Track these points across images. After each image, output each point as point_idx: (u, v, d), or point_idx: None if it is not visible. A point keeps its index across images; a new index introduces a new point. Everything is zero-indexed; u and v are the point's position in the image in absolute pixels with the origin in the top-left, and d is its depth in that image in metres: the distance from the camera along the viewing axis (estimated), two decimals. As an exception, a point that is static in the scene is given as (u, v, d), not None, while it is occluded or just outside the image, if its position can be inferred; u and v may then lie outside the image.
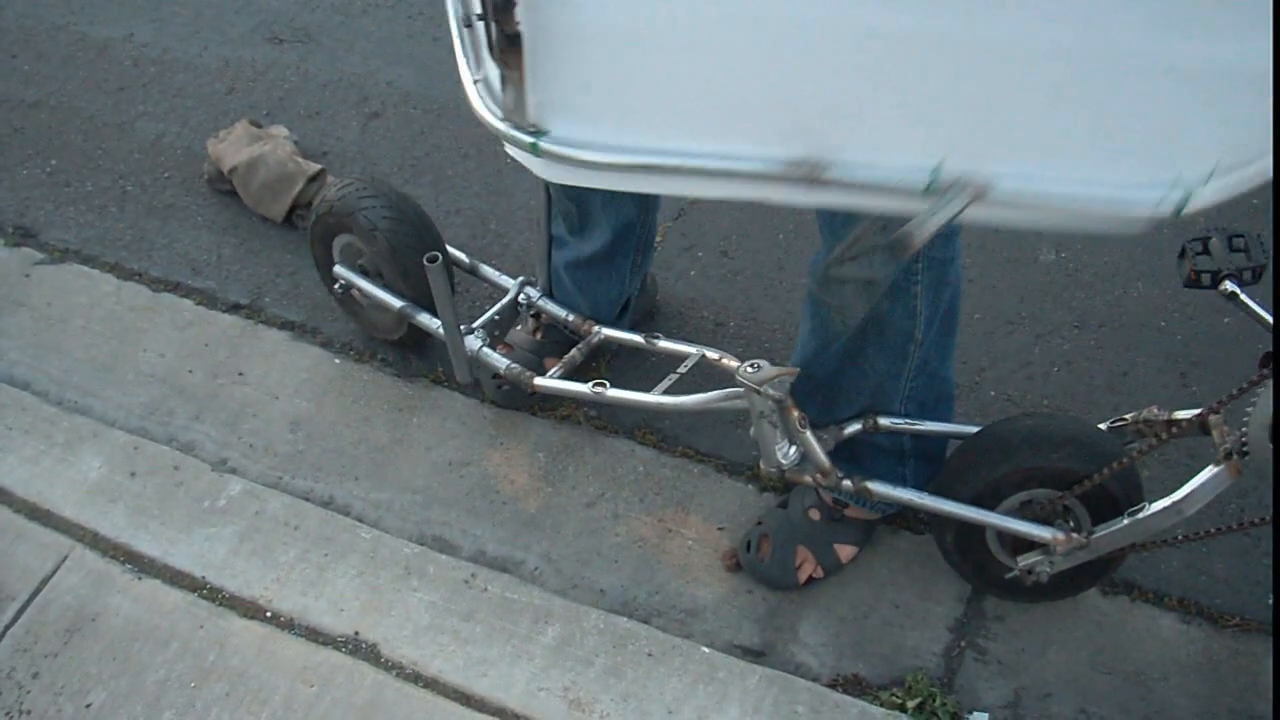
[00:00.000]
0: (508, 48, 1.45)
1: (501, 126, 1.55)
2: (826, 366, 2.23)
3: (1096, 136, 1.38)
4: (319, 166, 3.20)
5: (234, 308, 3.02)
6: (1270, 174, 1.38)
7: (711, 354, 2.30)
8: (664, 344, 2.41)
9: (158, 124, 3.56)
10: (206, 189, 3.33)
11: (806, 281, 2.18)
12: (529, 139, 1.52)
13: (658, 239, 2.75)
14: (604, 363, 2.74)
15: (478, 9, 1.50)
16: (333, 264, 2.71)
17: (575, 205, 2.48)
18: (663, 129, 1.46)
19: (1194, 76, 1.31)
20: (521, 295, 2.59)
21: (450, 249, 2.66)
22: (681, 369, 2.34)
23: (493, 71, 1.57)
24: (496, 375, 2.51)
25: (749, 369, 2.04)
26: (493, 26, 1.45)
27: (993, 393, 2.72)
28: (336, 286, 2.72)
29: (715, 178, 1.47)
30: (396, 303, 2.59)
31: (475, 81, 1.61)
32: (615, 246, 2.53)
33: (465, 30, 1.61)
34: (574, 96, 1.50)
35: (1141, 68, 1.32)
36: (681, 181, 1.50)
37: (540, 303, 2.59)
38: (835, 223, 2.03)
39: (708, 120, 1.44)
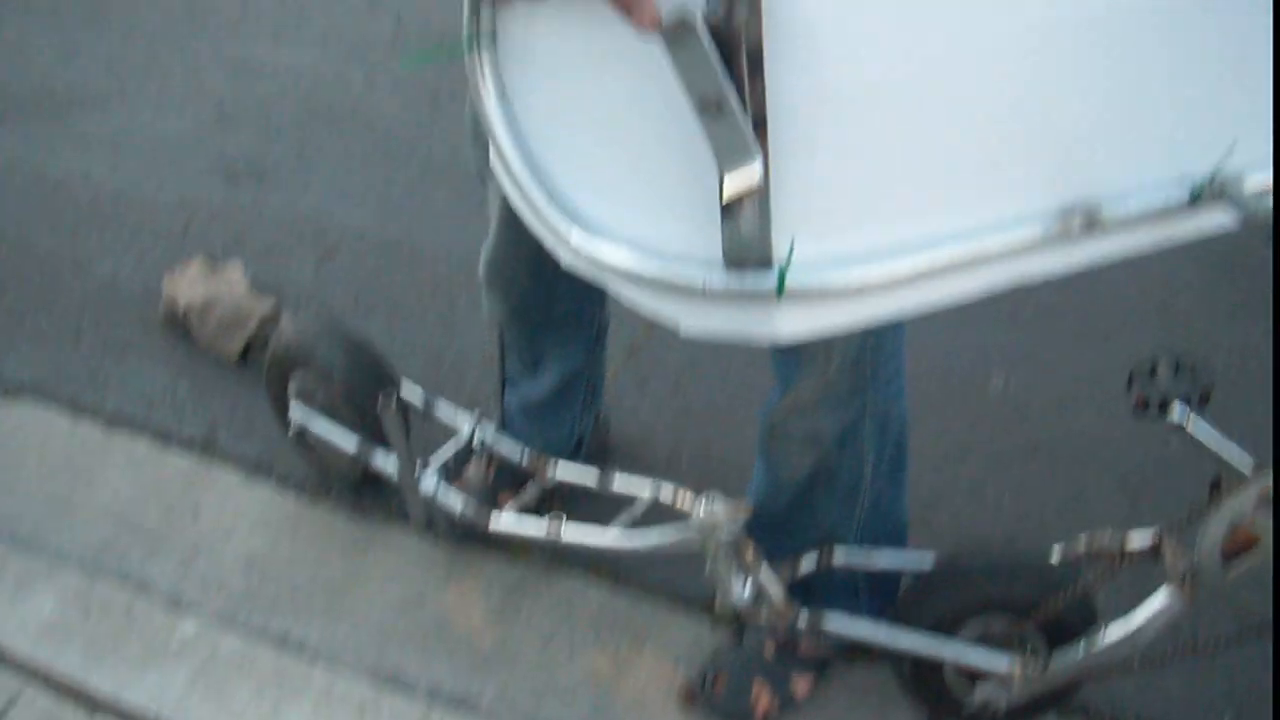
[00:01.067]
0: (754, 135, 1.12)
1: (728, 282, 1.21)
2: (780, 506, 2.26)
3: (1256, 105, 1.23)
4: (274, 304, 3.23)
5: (188, 445, 3.03)
6: None
7: (666, 491, 2.31)
8: (618, 482, 2.43)
9: (114, 261, 3.59)
10: (162, 326, 3.35)
11: (759, 428, 2.22)
12: (772, 280, 1.18)
13: (610, 375, 2.78)
14: (558, 499, 2.75)
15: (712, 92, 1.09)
16: (288, 403, 2.72)
17: (527, 347, 2.52)
18: (921, 211, 1.20)
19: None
20: (476, 434, 2.60)
21: (405, 388, 2.68)
22: (636, 507, 2.35)
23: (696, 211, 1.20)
24: (450, 514, 2.52)
25: (704, 507, 2.06)
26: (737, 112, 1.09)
27: (946, 522, 2.75)
28: (291, 426, 2.73)
29: (985, 263, 1.25)
30: (351, 443, 2.61)
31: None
32: (566, 386, 2.56)
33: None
34: (825, 194, 1.19)
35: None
36: (948, 283, 1.26)
37: (494, 441, 2.60)
38: (788, 369, 2.07)
39: (970, 184, 1.20)
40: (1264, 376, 2.98)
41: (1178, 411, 2.00)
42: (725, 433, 2.95)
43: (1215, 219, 1.31)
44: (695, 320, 1.23)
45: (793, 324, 1.23)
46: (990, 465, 2.85)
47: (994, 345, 3.11)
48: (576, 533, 2.33)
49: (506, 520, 2.43)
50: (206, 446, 3.01)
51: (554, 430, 2.61)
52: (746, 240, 1.15)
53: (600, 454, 2.87)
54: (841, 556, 2.25)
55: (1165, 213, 1.28)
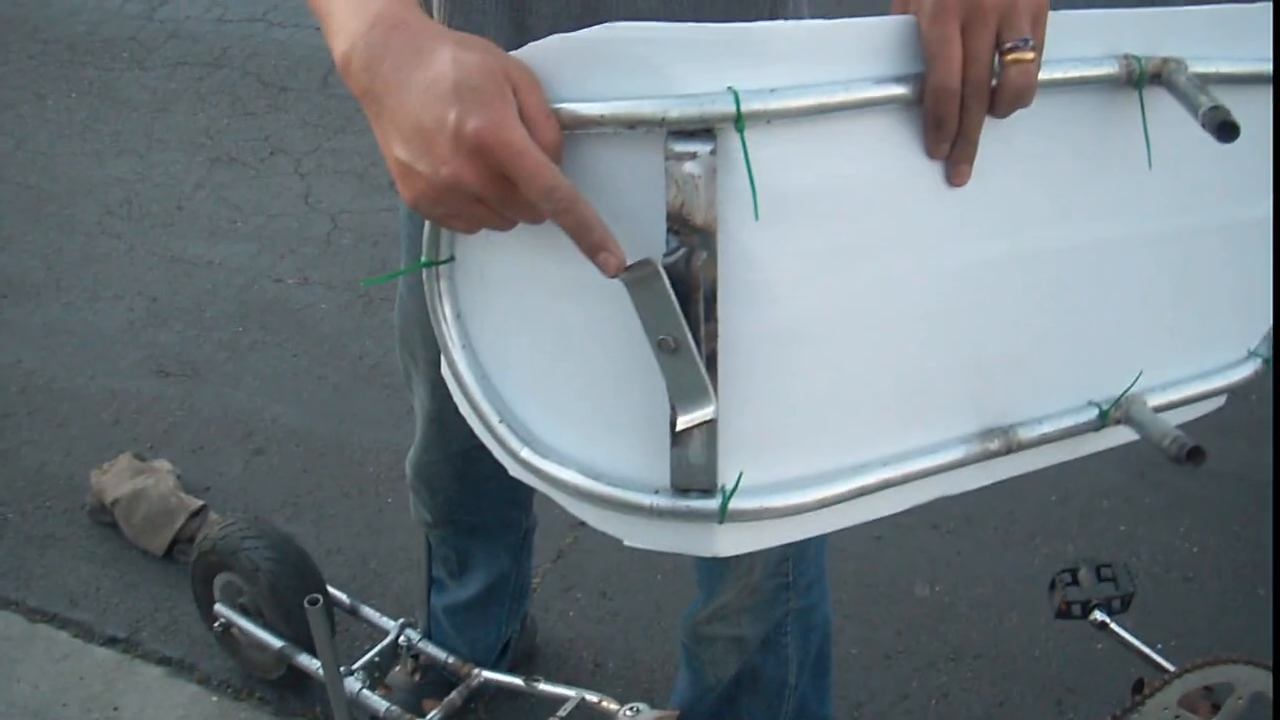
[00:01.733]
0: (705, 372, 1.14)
1: (675, 505, 1.21)
2: (705, 712, 2.26)
3: (1207, 319, 1.39)
4: (201, 502, 3.22)
5: (111, 641, 3.00)
6: None
7: (591, 697, 2.31)
8: (544, 687, 2.43)
9: (41, 453, 3.58)
10: (88, 520, 3.33)
11: (682, 632, 2.23)
12: (715, 505, 1.20)
13: (536, 580, 2.79)
14: (484, 704, 2.74)
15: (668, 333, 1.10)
16: (213, 601, 2.72)
17: (454, 551, 2.52)
18: (860, 440, 1.24)
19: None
20: (402, 637, 2.60)
21: (331, 590, 2.68)
22: (562, 712, 2.35)
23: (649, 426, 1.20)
24: (375, 718, 2.50)
25: (629, 713, 2.07)
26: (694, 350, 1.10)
27: (871, 729, 2.75)
28: (216, 625, 2.72)
29: (911, 483, 1.28)
30: (276, 643, 2.60)
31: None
32: (492, 591, 2.56)
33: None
34: (769, 426, 1.21)
35: (1226, 240, 1.35)
36: (876, 502, 1.28)
37: (420, 645, 2.60)
38: (711, 576, 2.09)
39: (902, 413, 1.25)
40: (1185, 578, 3.02)
41: (1099, 617, 2.03)
42: (652, 639, 2.95)
43: (1121, 436, 1.41)
44: (639, 536, 1.25)
45: (731, 542, 1.24)
46: (916, 671, 2.86)
47: (919, 551, 3.14)
48: (502, 740, 2.33)
49: (432, 726, 2.43)
50: (129, 643, 2.99)
51: (480, 634, 2.61)
52: (694, 468, 1.18)
53: (526, 658, 2.86)
54: (768, 765, 2.25)
55: (1075, 432, 1.35)
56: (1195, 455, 1.19)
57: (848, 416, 1.22)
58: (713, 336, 1.12)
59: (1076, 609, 2.07)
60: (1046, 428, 1.31)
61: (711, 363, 1.12)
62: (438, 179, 1.02)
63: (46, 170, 4.92)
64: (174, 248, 4.39)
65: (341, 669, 2.44)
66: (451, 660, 2.56)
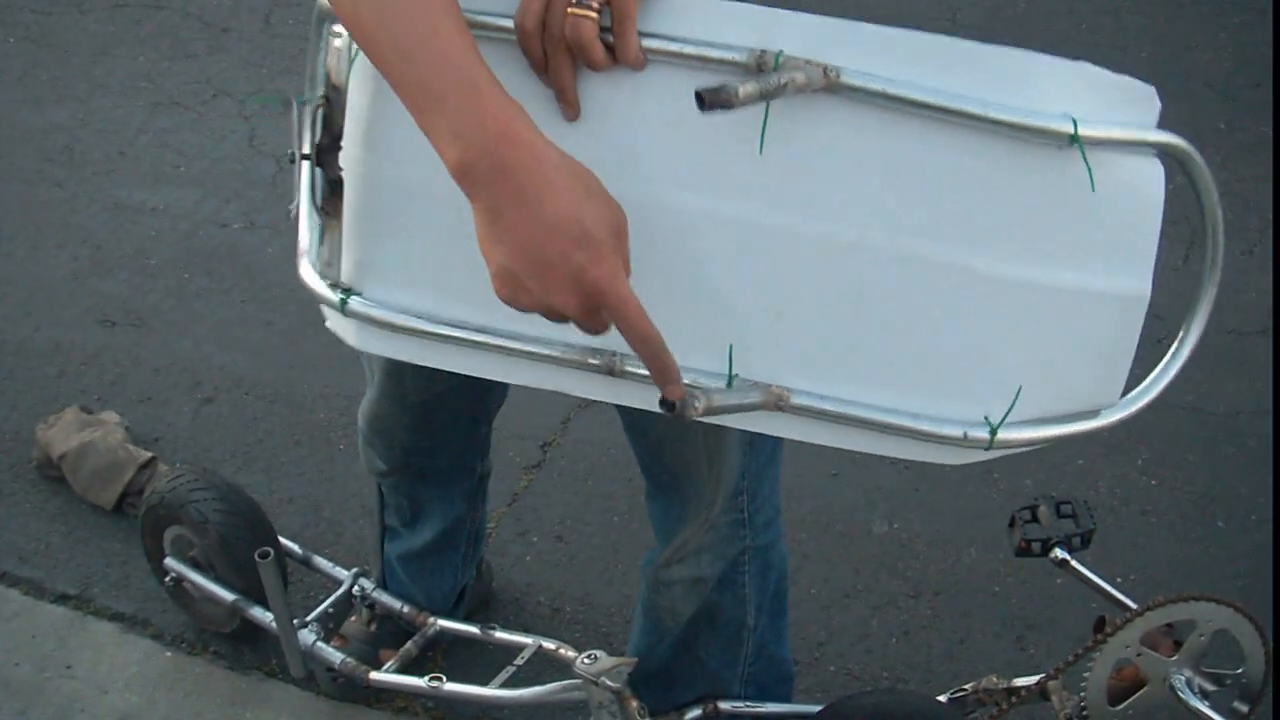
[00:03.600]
0: (329, 195, 1.49)
1: (313, 282, 1.57)
2: (663, 656, 2.25)
3: (903, 360, 1.41)
4: (150, 454, 3.18)
5: (62, 598, 2.96)
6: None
7: (549, 644, 2.30)
8: (500, 634, 2.41)
9: (-15, 408, 3.53)
10: (35, 475, 3.28)
11: (641, 582, 2.22)
12: (337, 296, 1.52)
13: (491, 525, 2.77)
14: (440, 653, 2.72)
15: (305, 147, 1.52)
16: (164, 556, 2.69)
17: (407, 499, 2.50)
18: (475, 303, 1.43)
19: (1019, 310, 1.37)
20: (356, 587, 2.58)
21: (283, 540, 2.65)
22: (519, 660, 2.34)
23: (312, 220, 1.59)
24: (331, 669, 2.48)
25: (586, 660, 2.05)
26: (316, 170, 1.48)
27: (832, 667, 2.74)
28: (168, 579, 2.69)
29: (519, 359, 1.47)
30: (229, 597, 2.57)
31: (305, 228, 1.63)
32: (447, 538, 2.54)
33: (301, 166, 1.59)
34: (391, 258, 1.50)
35: (959, 292, 1.37)
36: (488, 361, 1.49)
37: (375, 594, 2.58)
38: (668, 520, 2.08)
39: None
40: (1142, 511, 3.02)
41: (1059, 555, 2.03)
42: (609, 583, 2.94)
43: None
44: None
45: (362, 339, 1.57)
46: (876, 609, 2.86)
47: (876, 489, 3.13)
48: (459, 688, 2.31)
49: (388, 675, 2.40)
50: (81, 599, 2.95)
51: (436, 581, 2.59)
52: (327, 263, 1.57)
53: (482, 604, 2.84)
54: (727, 707, 2.24)
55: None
56: (665, 406, 1.27)
57: (465, 280, 1.39)
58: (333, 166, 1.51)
59: (1036, 547, 2.07)
60: (641, 369, 1.35)
61: (336, 187, 1.50)
62: (546, 300, 1.21)
63: (-17, 118, 4.85)
64: (117, 194, 4.32)
65: (295, 621, 2.42)
66: (407, 609, 2.53)
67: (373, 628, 2.65)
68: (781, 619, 2.29)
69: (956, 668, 2.72)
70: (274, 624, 2.44)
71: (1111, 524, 2.95)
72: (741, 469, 1.99)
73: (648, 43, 1.32)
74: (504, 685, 2.29)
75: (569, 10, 1.29)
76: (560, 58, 1.32)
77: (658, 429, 1.96)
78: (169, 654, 2.82)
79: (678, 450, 1.98)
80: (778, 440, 2.02)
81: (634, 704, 2.09)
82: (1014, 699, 2.02)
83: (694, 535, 2.07)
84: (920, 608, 2.87)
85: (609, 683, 2.04)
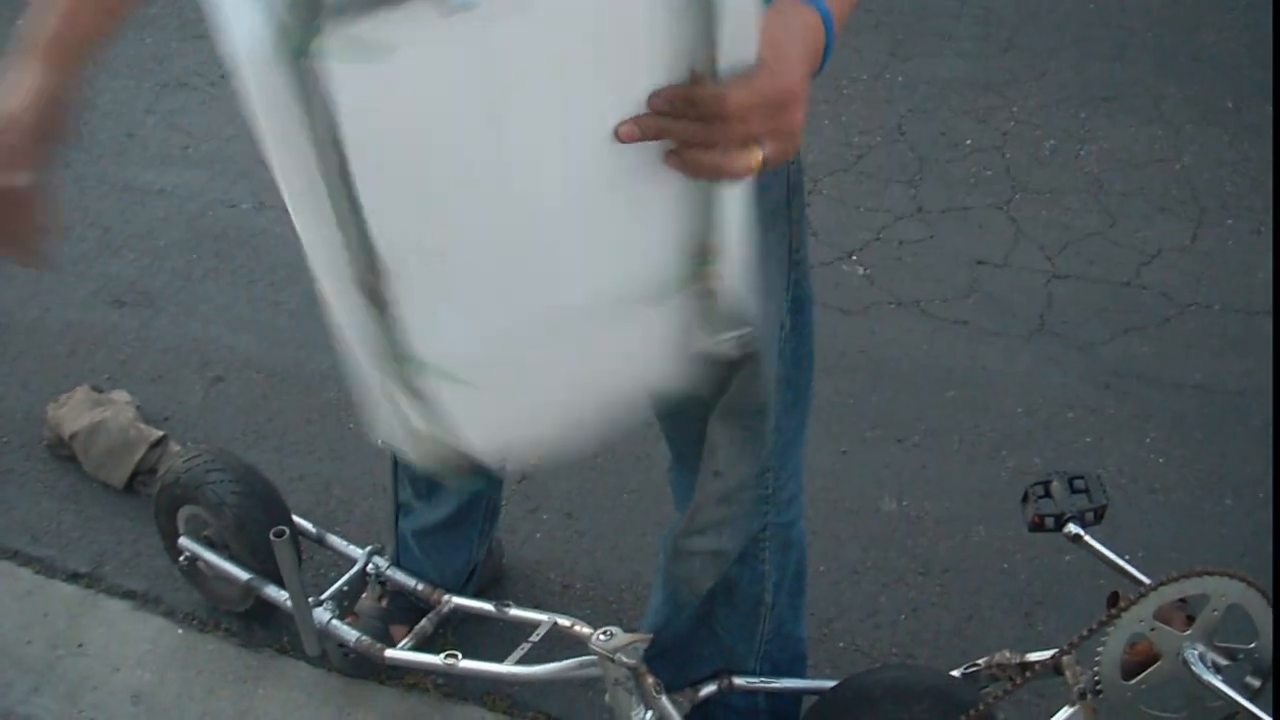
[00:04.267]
0: None
1: None
2: (679, 632, 2.25)
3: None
4: (161, 433, 3.19)
5: (74, 576, 2.98)
6: None
7: (563, 621, 2.30)
8: (515, 611, 2.40)
9: (-4, 388, 3.54)
10: (46, 454, 3.30)
11: (660, 553, 2.22)
12: None
13: (503, 502, 2.77)
14: (452, 630, 2.73)
15: None
16: (177, 535, 2.69)
17: (423, 473, 2.50)
18: None
19: None
20: (370, 565, 2.58)
21: (297, 519, 2.66)
22: (534, 637, 2.33)
23: None
24: (343, 645, 2.49)
25: (601, 636, 2.05)
26: None
27: (841, 644, 2.75)
28: (182, 559, 2.70)
29: None
30: (243, 576, 2.58)
31: None
32: (464, 513, 2.55)
33: None
34: None
35: None
36: None
37: (389, 572, 2.58)
38: (689, 496, 2.07)
39: None
40: (1150, 490, 3.03)
41: (1072, 530, 2.03)
42: (619, 559, 2.94)
43: None
44: None
45: None
46: (885, 586, 2.87)
47: (884, 466, 3.13)
48: (474, 665, 2.31)
49: (403, 653, 2.41)
50: (93, 578, 2.96)
51: (450, 558, 2.59)
52: None
53: (493, 581, 2.85)
54: (742, 683, 2.24)
55: None
56: None
57: None
58: None
59: (1050, 522, 2.07)
60: None
61: None
62: None
63: (-9, 99, 4.83)
64: (125, 176, 4.33)
65: (310, 600, 2.43)
66: (421, 587, 2.53)
67: (384, 604, 2.66)
68: (799, 598, 2.29)
69: (965, 644, 2.72)
70: (289, 603, 2.44)
71: (1120, 502, 2.95)
72: (770, 445, 1.99)
73: None
74: (519, 662, 2.29)
75: None
76: None
77: (686, 404, 1.97)
78: (180, 631, 2.83)
79: (703, 425, 1.98)
80: (803, 419, 2.03)
81: (650, 680, 2.10)
82: (1027, 674, 2.02)
83: (714, 509, 2.07)
84: (929, 584, 2.87)
85: (625, 659, 2.05)
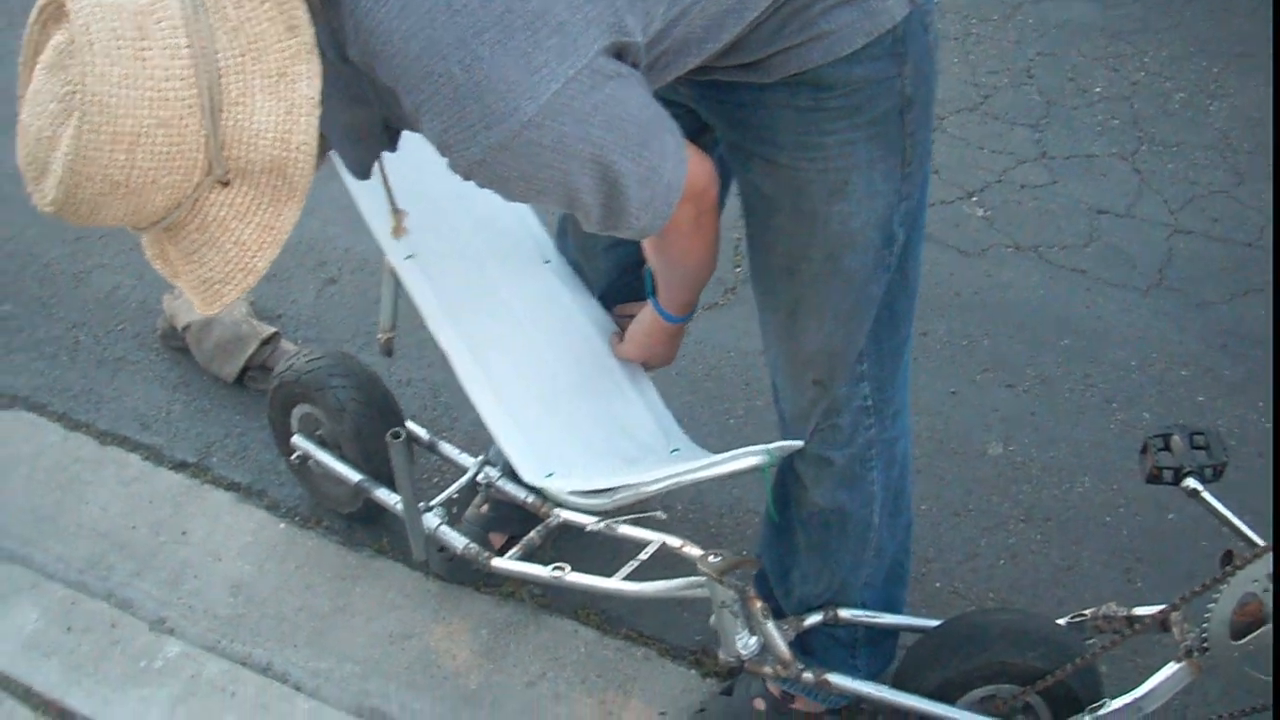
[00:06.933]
0: None
1: None
2: (789, 558, 2.24)
3: None
4: (273, 329, 3.22)
5: (180, 465, 3.02)
6: None
7: (672, 541, 2.28)
8: (624, 530, 2.37)
9: (114, 276, 3.58)
10: (159, 344, 3.34)
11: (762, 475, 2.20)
12: None
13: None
14: (551, 544, 2.74)
15: None
16: (290, 431, 2.72)
17: None
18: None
19: None
20: (481, 475, 2.58)
21: (410, 425, 2.66)
22: (642, 555, 2.32)
23: None
24: (444, 549, 2.50)
25: (711, 558, 2.03)
26: None
27: (938, 584, 2.74)
28: (294, 456, 2.72)
29: None
30: (355, 477, 2.60)
31: None
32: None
33: None
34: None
35: None
36: None
37: (500, 483, 2.57)
38: (783, 404, 2.07)
39: None
40: (1259, 454, 2.99)
41: (1191, 485, 2.00)
42: (720, 484, 2.93)
43: None
44: None
45: None
46: (985, 530, 2.85)
47: (992, 410, 3.11)
48: (583, 578, 2.31)
49: (511, 562, 2.41)
50: (199, 468, 3.00)
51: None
52: None
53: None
54: (847, 615, 2.23)
55: None
56: None
57: None
58: None
59: (1168, 475, 2.04)
60: None
61: None
62: None
63: None
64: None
65: (420, 505, 2.43)
66: (531, 499, 2.52)
67: (484, 509, 2.65)
68: (899, 517, 2.25)
69: (1062, 594, 2.71)
70: (398, 505, 2.45)
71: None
72: (860, 349, 1.96)
73: None
74: (627, 578, 2.29)
75: None
76: None
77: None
78: (282, 525, 2.87)
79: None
80: (906, 334, 2.00)
81: (758, 604, 2.08)
82: (1134, 628, 2.00)
83: (817, 416, 2.04)
84: (1030, 532, 2.85)
85: (733, 582, 2.04)
